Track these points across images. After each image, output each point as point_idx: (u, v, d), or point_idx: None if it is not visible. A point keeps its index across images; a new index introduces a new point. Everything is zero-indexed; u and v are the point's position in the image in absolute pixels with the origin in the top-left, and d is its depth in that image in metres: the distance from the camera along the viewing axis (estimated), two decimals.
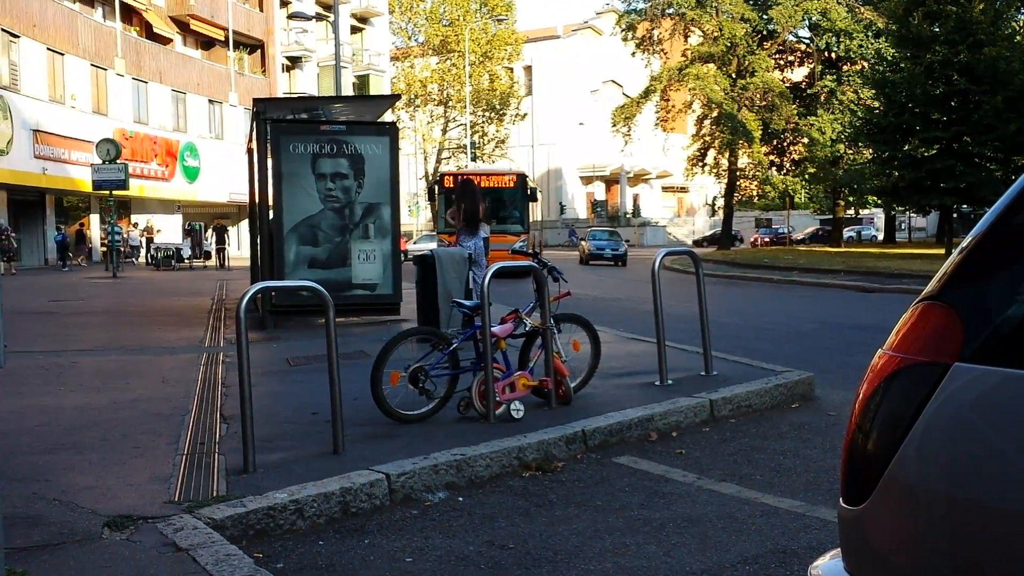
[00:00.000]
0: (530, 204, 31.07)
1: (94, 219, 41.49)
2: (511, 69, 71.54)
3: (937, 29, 32.43)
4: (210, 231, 40.55)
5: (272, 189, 13.33)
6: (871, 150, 38.17)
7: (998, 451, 1.82)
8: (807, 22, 50.01)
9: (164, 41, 46.33)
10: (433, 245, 26.63)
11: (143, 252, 41.14)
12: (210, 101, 48.68)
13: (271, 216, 13.49)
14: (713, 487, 5.57)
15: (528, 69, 77.84)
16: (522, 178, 30.92)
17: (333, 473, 5.28)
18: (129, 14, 43.89)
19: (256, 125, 14.42)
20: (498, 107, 67.39)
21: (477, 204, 11.22)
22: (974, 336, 1.91)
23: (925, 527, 1.91)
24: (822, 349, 11.73)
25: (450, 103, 67.54)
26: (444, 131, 69.16)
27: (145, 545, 4.23)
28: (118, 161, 30.80)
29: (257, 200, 14.91)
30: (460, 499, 5.38)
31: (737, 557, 4.39)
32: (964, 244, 2.05)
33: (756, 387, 7.92)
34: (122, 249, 35.39)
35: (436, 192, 29.78)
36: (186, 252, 39.12)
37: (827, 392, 8.39)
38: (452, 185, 27.06)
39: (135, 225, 43.03)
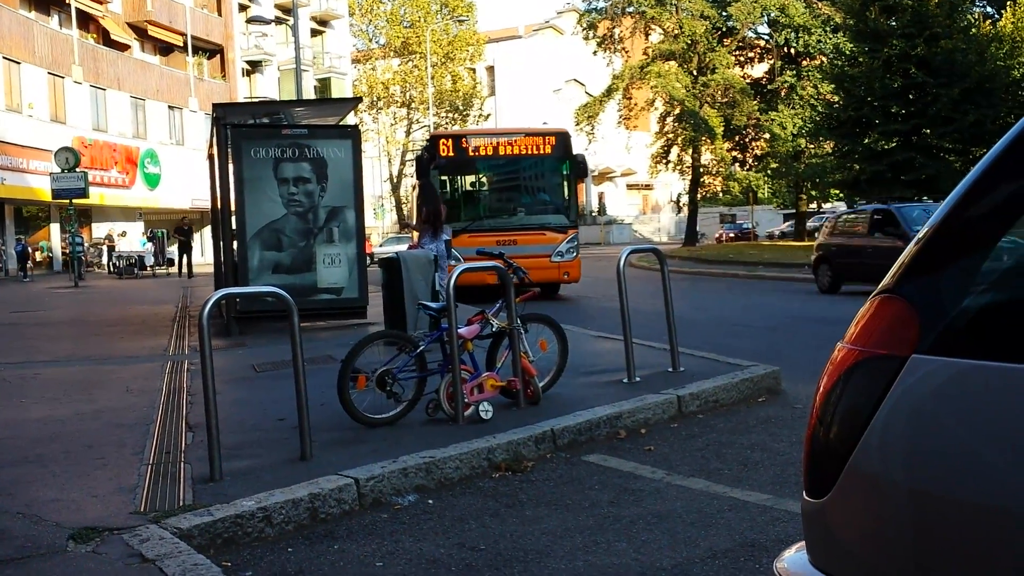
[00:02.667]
0: (577, 182, 20.55)
1: (54, 228, 40.94)
2: (473, 70, 71.36)
3: (894, 23, 32.72)
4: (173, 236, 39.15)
5: (234, 195, 13.22)
6: (832, 144, 38.47)
7: (956, 442, 1.84)
8: (766, 18, 50.32)
9: (122, 48, 45.85)
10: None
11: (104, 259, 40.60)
12: (170, 107, 48.23)
13: (234, 222, 13.39)
14: (682, 483, 5.59)
15: (490, 69, 77.69)
16: (562, 139, 20.07)
17: (301, 479, 5.25)
18: (86, 21, 43.40)
19: (216, 130, 14.30)
20: (461, 108, 67.28)
21: (439, 206, 11.40)
22: (930, 328, 1.93)
23: (886, 518, 1.93)
24: (788, 343, 11.81)
25: (413, 105, 67.32)
26: (408, 133, 68.87)
27: (111, 557, 4.19)
28: (77, 169, 30.36)
29: (219, 206, 14.79)
30: (430, 502, 5.37)
31: (706, 552, 4.41)
32: (919, 237, 2.07)
33: (723, 382, 7.97)
34: (83, 258, 34.89)
35: (429, 163, 19.42)
36: (149, 260, 38.71)
37: (793, 385, 8.43)
38: (451, 154, 19.60)
39: (124, 234, 42.43)
